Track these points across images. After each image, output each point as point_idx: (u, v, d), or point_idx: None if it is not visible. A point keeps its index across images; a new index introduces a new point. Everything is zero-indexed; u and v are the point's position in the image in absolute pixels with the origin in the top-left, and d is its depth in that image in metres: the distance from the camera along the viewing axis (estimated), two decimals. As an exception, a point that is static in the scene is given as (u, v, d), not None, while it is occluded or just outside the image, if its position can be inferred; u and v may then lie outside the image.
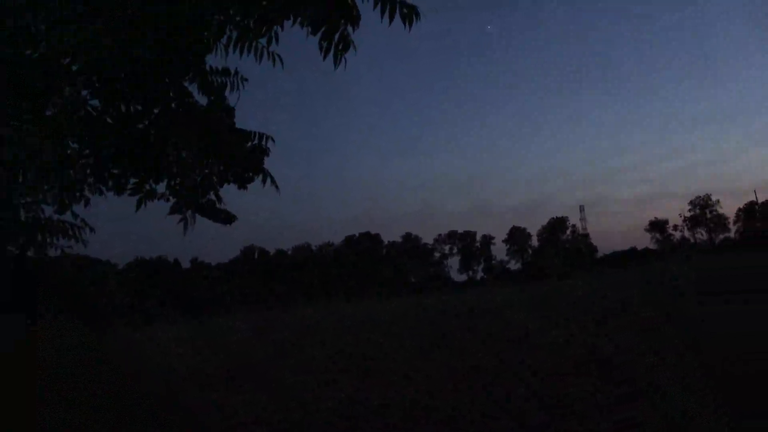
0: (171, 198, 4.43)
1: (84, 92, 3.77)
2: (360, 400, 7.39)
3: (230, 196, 4.68)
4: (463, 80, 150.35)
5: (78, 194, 4.28)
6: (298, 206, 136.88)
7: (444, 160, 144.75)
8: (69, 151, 3.97)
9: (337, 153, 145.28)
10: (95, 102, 3.83)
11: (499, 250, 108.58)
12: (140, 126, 3.93)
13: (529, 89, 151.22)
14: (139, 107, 3.95)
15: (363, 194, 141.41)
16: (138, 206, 3.86)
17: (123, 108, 3.87)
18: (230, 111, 4.37)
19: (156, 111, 3.95)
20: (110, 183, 4.10)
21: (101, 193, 4.14)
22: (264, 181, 4.37)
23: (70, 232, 5.02)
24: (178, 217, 4.36)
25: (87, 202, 4.42)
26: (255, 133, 4.31)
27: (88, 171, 4.11)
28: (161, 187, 4.22)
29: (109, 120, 3.86)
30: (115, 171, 4.02)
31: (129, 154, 3.95)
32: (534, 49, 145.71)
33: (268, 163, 4.57)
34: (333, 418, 6.68)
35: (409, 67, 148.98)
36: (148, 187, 3.89)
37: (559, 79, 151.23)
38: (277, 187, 4.43)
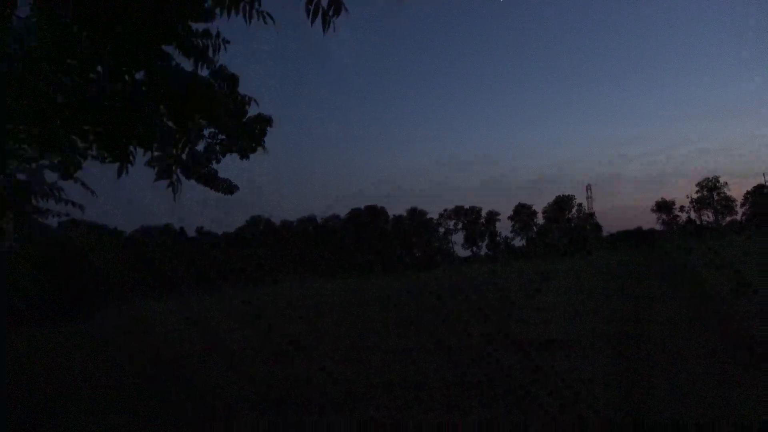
0: (175, 167, 4.39)
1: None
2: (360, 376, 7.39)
3: (237, 166, 4.65)
4: (476, 59, 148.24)
5: (80, 162, 4.23)
6: (305, 180, 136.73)
7: (454, 138, 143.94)
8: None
9: (345, 128, 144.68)
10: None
11: (504, 227, 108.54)
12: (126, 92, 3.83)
13: (542, 70, 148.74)
14: (106, 81, 3.84)
15: (371, 170, 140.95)
16: (119, 173, 3.79)
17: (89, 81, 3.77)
18: (233, 79, 4.28)
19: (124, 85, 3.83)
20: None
21: (102, 160, 4.09)
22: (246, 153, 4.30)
23: (65, 197, 5.02)
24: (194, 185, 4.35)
25: (78, 167, 4.35)
26: (247, 97, 4.22)
27: (92, 138, 4.06)
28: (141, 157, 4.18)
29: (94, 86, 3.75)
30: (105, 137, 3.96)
31: (95, 129, 3.86)
32: (544, 30, 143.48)
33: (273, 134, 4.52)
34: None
35: (420, 44, 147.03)
36: (131, 151, 3.80)
37: (571, 60, 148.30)
38: (264, 148, 4.36)
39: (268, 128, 4.78)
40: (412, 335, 10.27)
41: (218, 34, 3.71)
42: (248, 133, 4.64)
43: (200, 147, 4.64)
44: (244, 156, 4.70)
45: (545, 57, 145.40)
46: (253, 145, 4.70)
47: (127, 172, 3.96)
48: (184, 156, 4.56)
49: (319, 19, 3.50)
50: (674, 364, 6.40)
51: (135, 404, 6.88)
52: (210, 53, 3.73)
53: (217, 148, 4.67)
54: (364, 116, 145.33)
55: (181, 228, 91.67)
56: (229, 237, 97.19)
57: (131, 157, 3.77)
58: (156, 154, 4.12)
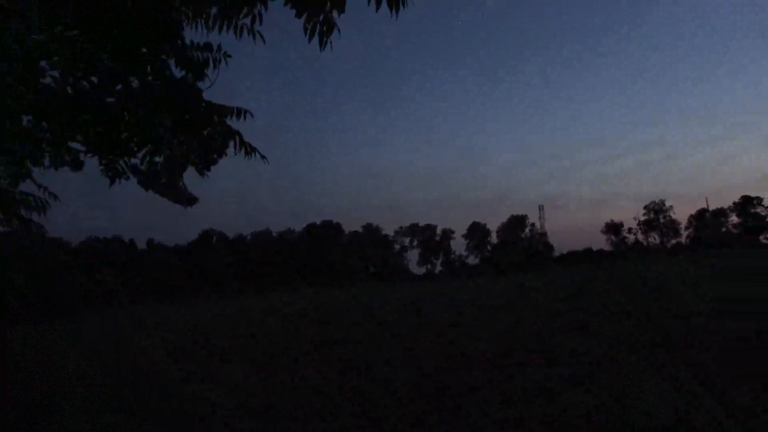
0: (132, 176, 4.33)
1: (43, 62, 3.64)
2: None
3: (195, 178, 4.58)
4: (429, 73, 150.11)
5: (27, 169, 4.14)
6: (261, 193, 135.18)
7: (408, 153, 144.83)
8: (24, 124, 3.84)
9: (305, 142, 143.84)
10: (54, 73, 3.71)
11: (458, 245, 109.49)
12: (109, 100, 3.82)
13: (493, 84, 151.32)
14: (106, 81, 3.83)
15: (328, 184, 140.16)
16: (112, 182, 3.79)
17: (90, 81, 3.75)
18: (197, 92, 4.27)
19: (124, 86, 3.83)
20: (66, 158, 3.98)
21: (56, 168, 4.01)
22: (249, 154, 4.24)
23: (33, 203, 4.88)
24: (141, 196, 4.31)
25: (29, 174, 4.23)
26: (234, 108, 4.23)
27: (44, 145, 4.00)
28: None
29: (69, 92, 3.73)
30: (74, 146, 3.92)
31: (95, 129, 3.85)
32: (497, 44, 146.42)
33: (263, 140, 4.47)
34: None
35: (374, 56, 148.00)
36: (123, 163, 3.82)
37: (523, 75, 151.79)
38: (264, 157, 4.27)
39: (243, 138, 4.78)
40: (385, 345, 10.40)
41: (219, 48, 3.72)
42: (210, 145, 4.61)
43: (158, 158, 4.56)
44: (206, 168, 4.63)
45: (498, 69, 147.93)
46: (214, 156, 4.67)
47: (120, 182, 3.94)
48: (143, 167, 4.47)
49: (316, 37, 3.62)
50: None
51: (131, 403, 6.78)
52: (210, 67, 3.73)
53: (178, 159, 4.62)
54: (360, 118, 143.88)
55: (131, 240, 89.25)
56: (180, 249, 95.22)
57: (133, 167, 3.77)
58: (158, 158, 4.10)
